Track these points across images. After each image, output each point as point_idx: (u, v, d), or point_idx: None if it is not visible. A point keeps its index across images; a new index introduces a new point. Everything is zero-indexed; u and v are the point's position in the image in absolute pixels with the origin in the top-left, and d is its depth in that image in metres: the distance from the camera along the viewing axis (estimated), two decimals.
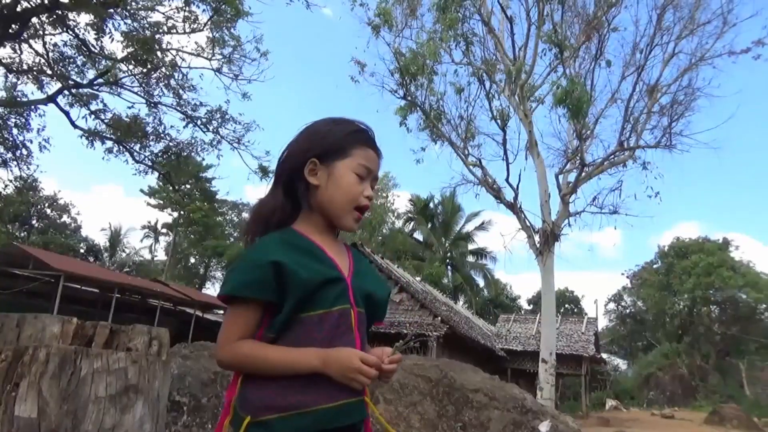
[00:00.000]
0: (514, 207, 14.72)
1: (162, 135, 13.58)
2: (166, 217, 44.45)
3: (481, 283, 37.10)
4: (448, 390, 4.81)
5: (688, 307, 33.16)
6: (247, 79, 13.55)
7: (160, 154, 14.24)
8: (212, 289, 48.43)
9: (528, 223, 14.82)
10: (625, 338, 40.31)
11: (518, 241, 15.60)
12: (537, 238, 14.66)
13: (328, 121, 1.44)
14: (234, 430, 1.22)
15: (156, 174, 15.78)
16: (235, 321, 1.26)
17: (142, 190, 41.04)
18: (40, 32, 12.06)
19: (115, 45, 13.49)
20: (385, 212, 44.44)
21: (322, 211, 1.38)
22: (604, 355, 30.45)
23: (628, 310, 40.12)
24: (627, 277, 40.18)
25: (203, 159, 15.76)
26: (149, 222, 45.91)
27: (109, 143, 13.13)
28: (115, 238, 43.20)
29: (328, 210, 1.37)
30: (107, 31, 11.68)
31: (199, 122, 13.71)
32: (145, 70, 12.41)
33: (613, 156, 14.35)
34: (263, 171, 15.13)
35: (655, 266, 37.14)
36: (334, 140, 1.38)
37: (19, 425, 1.15)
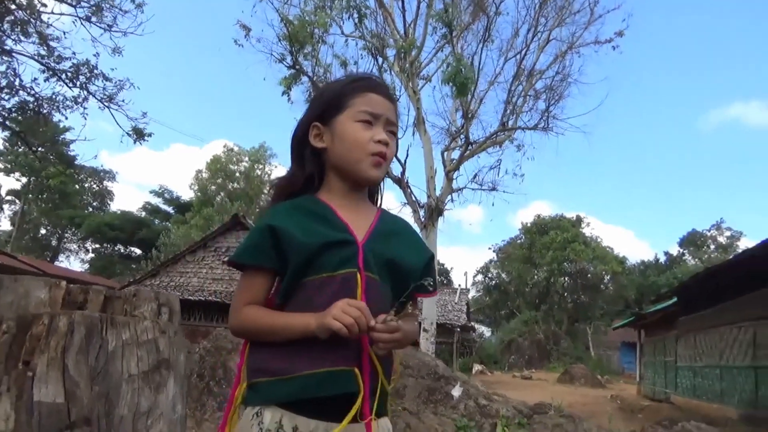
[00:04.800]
0: (401, 182, 14.98)
1: (18, 88, 11.95)
2: (12, 182, 39.62)
3: None
4: None
5: (545, 279, 36.40)
6: (122, 32, 12.28)
7: (14, 110, 12.55)
8: (66, 262, 44.36)
9: (414, 198, 15.19)
10: (491, 307, 43.39)
11: (403, 215, 15.79)
12: (422, 212, 15.09)
13: (330, 81, 1.44)
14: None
15: (6, 133, 13.96)
16: (242, 288, 1.26)
17: None
18: None
19: None
20: (263, 183, 43.33)
21: (338, 171, 1.33)
22: (472, 323, 32.50)
23: (493, 282, 43.12)
24: (494, 251, 43.17)
25: (66, 118, 14.11)
26: None
27: None
28: None
29: (343, 167, 1.32)
30: None
31: (63, 76, 12.25)
32: None
33: (494, 136, 15.09)
34: (138, 134, 13.98)
35: (519, 241, 40.23)
36: (329, 97, 1.34)
37: (42, 412, 0.90)
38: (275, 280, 1.27)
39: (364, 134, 1.28)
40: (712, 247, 46.39)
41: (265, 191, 43.85)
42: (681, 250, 47.64)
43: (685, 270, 37.45)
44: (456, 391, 4.74)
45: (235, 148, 42.65)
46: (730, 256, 35.75)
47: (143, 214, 45.00)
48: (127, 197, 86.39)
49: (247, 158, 42.74)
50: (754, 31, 75.12)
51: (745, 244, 43.38)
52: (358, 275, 1.21)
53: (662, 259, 46.98)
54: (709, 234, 47.15)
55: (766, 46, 76.36)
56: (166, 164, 74.35)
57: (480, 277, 44.13)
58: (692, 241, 47.02)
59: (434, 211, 14.82)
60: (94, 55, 12.48)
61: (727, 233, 46.82)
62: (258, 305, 1.23)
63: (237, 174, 42.53)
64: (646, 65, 72.54)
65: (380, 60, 15.19)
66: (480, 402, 4.91)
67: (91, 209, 44.62)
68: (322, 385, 1.14)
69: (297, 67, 14.71)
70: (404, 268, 1.28)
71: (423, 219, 14.93)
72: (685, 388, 15.49)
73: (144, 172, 77.48)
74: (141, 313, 1.15)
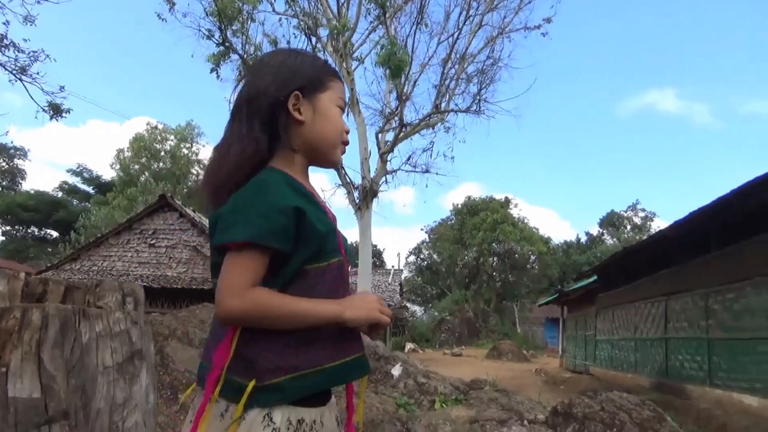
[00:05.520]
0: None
1: None
2: None
3: None
4: None
5: (475, 259, 37.53)
6: None
7: None
8: None
9: (348, 179, 15.17)
10: (422, 287, 44.32)
11: (337, 196, 15.80)
12: (356, 194, 15.12)
13: (290, 52, 1.32)
14: (231, 399, 1.06)
15: None
16: (248, 267, 1.09)
17: None
18: None
19: None
20: (190, 163, 41.86)
21: (309, 148, 1.27)
22: (405, 303, 33.10)
23: (425, 263, 44.01)
24: (426, 232, 43.99)
25: None
26: None
27: None
28: None
29: (318, 146, 1.27)
30: None
31: None
32: None
33: (428, 118, 15.28)
34: (55, 109, 13.15)
35: (450, 222, 41.17)
36: (312, 72, 1.27)
37: (18, 408, 0.84)
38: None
39: (341, 121, 1.30)
40: (629, 227, 49.28)
41: (194, 171, 42.38)
42: (601, 230, 50.32)
43: (604, 249, 39.63)
44: (396, 371, 4.87)
45: (160, 126, 40.87)
46: (644, 236, 38.12)
47: (60, 194, 42.46)
48: (41, 176, 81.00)
49: (173, 137, 41.06)
50: (669, 22, 79.71)
51: (658, 224, 46.49)
52: (345, 263, 1.24)
53: (583, 238, 49.46)
54: (625, 215, 50.02)
55: (680, 36, 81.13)
56: (83, 141, 70.21)
57: (412, 258, 44.96)
58: (611, 221, 49.71)
59: (369, 193, 14.90)
60: (4, 23, 11.58)
61: (642, 214, 49.88)
62: (260, 287, 1.11)
63: (162, 153, 40.84)
64: (570, 52, 75.43)
65: (314, 40, 14.96)
66: (419, 380, 5.08)
67: (0, 189, 41.63)
68: (353, 371, 1.19)
69: (227, 44, 14.25)
70: (348, 253, 1.33)
71: (357, 200, 14.98)
72: (603, 360, 16.50)
73: (59, 150, 72.76)
74: (106, 303, 1.10)
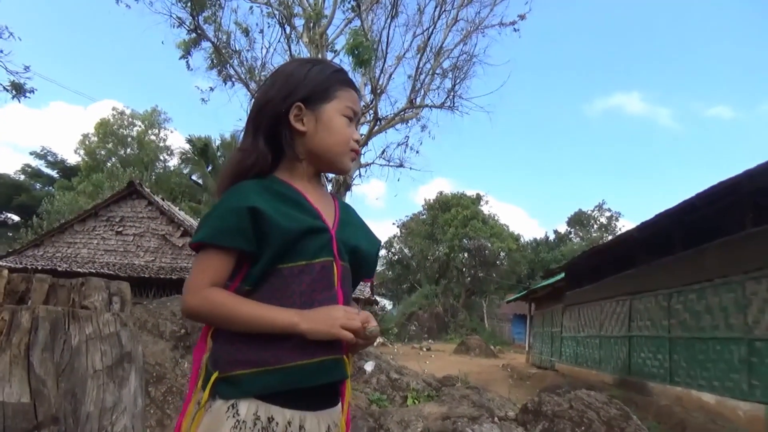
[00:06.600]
0: None
1: None
2: None
3: None
4: None
5: (446, 254, 37.82)
6: None
7: None
8: None
9: None
10: (393, 281, 44.43)
11: None
12: (330, 187, 15.07)
13: (302, 62, 1.35)
14: (204, 388, 1.12)
15: None
16: (206, 267, 1.16)
17: None
18: None
19: None
20: (158, 149, 41.05)
21: (314, 158, 1.30)
22: (375, 297, 33.16)
23: (396, 257, 44.11)
24: (397, 226, 44.10)
25: None
26: None
27: None
28: None
29: (323, 156, 1.30)
30: None
31: None
32: None
33: (403, 112, 15.28)
34: (17, 89, 12.78)
35: (422, 217, 41.35)
36: (317, 82, 1.30)
37: (6, 413, 0.80)
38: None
39: (348, 131, 1.30)
40: (595, 226, 50.21)
41: (162, 158, 41.58)
42: (568, 229, 51.14)
43: (570, 248, 40.33)
44: (368, 366, 4.89)
45: (127, 111, 39.93)
46: (610, 236, 38.82)
47: (22, 177, 41.15)
48: (2, 158, 78.17)
49: (139, 122, 40.17)
50: (634, 27, 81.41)
51: (623, 224, 47.50)
52: (335, 264, 1.22)
53: (552, 236, 50.22)
54: (592, 214, 50.94)
55: (645, 42, 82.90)
56: (46, 124, 68.00)
57: (383, 252, 45.02)
58: (578, 220, 50.56)
59: (342, 186, 14.86)
60: None
61: (608, 214, 50.83)
62: (221, 288, 1.16)
63: (129, 139, 39.95)
64: (540, 53, 76.37)
65: (288, 29, 14.78)
66: (392, 376, 5.10)
67: None
68: (318, 374, 1.15)
69: (199, 31, 13.98)
70: (363, 255, 1.32)
71: (330, 193, 14.94)
72: (568, 357, 16.84)
73: (21, 132, 70.28)
74: (92, 303, 1.07)
